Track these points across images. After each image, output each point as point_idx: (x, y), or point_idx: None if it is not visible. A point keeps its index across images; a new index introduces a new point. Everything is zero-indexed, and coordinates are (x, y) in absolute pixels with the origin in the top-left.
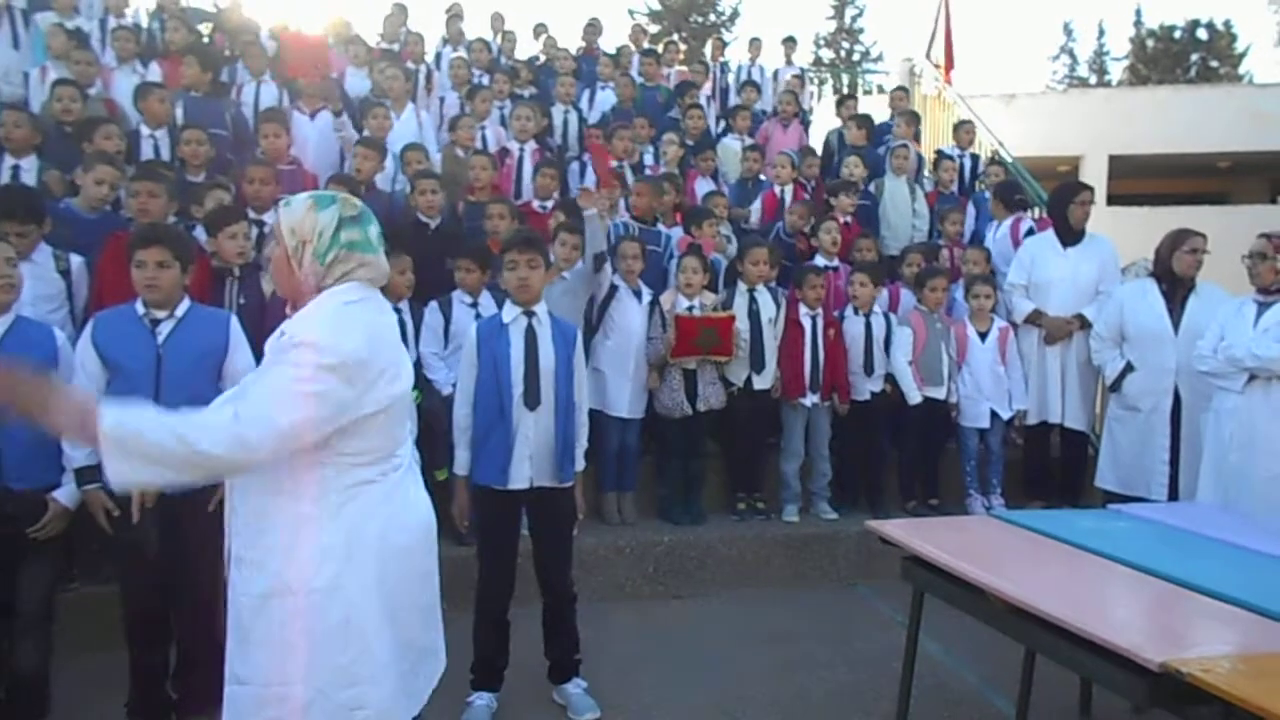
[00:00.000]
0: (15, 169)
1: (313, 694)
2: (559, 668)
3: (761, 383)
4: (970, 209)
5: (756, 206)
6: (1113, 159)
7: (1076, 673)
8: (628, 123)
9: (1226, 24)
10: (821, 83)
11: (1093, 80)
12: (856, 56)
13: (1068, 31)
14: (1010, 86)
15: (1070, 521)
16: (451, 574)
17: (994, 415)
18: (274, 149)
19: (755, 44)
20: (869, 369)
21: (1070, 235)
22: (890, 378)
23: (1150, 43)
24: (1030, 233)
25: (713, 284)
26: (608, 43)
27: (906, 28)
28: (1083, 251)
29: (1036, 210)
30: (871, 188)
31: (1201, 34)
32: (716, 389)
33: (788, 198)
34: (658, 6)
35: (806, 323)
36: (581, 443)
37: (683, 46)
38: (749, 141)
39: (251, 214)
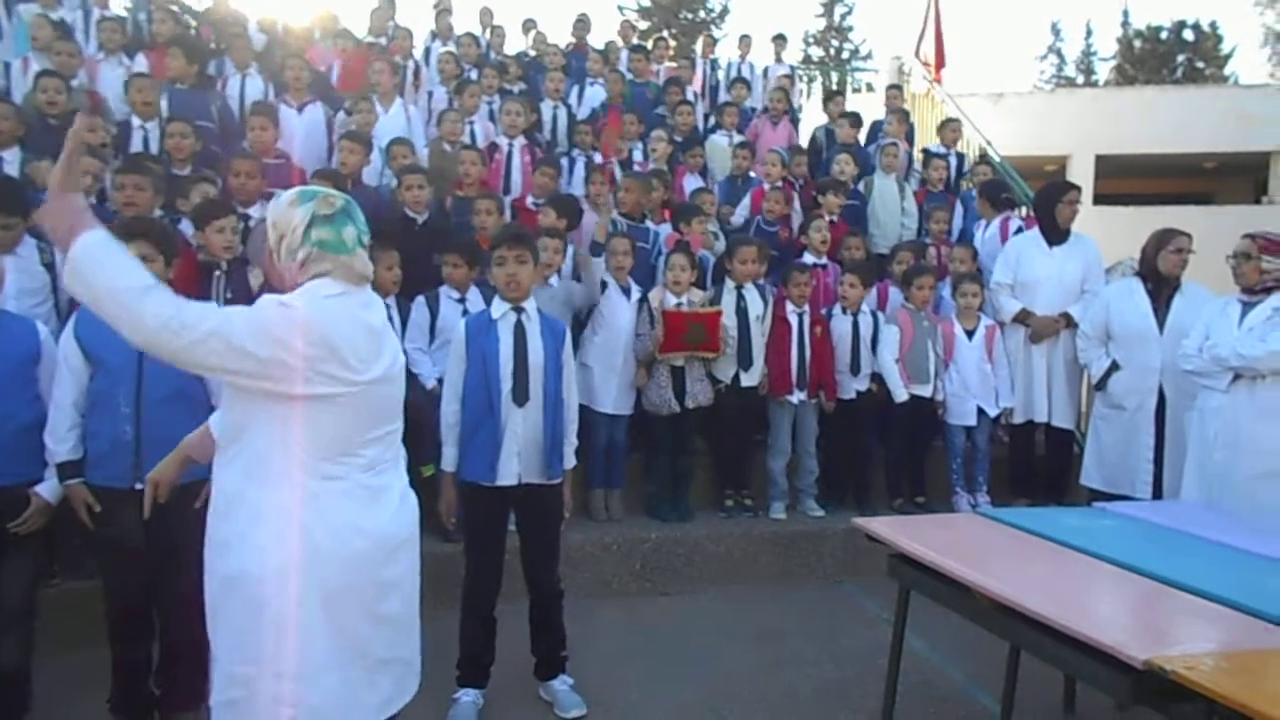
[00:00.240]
0: None
1: (264, 681)
2: (546, 664)
3: (749, 380)
4: (958, 207)
5: (745, 204)
6: (1099, 159)
7: (1061, 670)
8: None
9: (1213, 25)
10: (811, 80)
11: (1080, 80)
12: (846, 54)
13: (1056, 31)
14: (998, 86)
15: (1055, 519)
16: (438, 570)
17: (980, 413)
18: (261, 142)
19: (745, 41)
20: (855, 367)
21: (1056, 234)
22: (877, 376)
23: (1137, 43)
24: (1019, 232)
25: (700, 281)
26: (597, 39)
27: (896, 26)
28: (1068, 251)
29: (1024, 209)
30: (861, 186)
31: (1188, 35)
32: (704, 386)
33: None
34: (647, 3)
35: (793, 320)
36: (571, 439)
37: (672, 43)
38: (738, 138)
39: (238, 207)
